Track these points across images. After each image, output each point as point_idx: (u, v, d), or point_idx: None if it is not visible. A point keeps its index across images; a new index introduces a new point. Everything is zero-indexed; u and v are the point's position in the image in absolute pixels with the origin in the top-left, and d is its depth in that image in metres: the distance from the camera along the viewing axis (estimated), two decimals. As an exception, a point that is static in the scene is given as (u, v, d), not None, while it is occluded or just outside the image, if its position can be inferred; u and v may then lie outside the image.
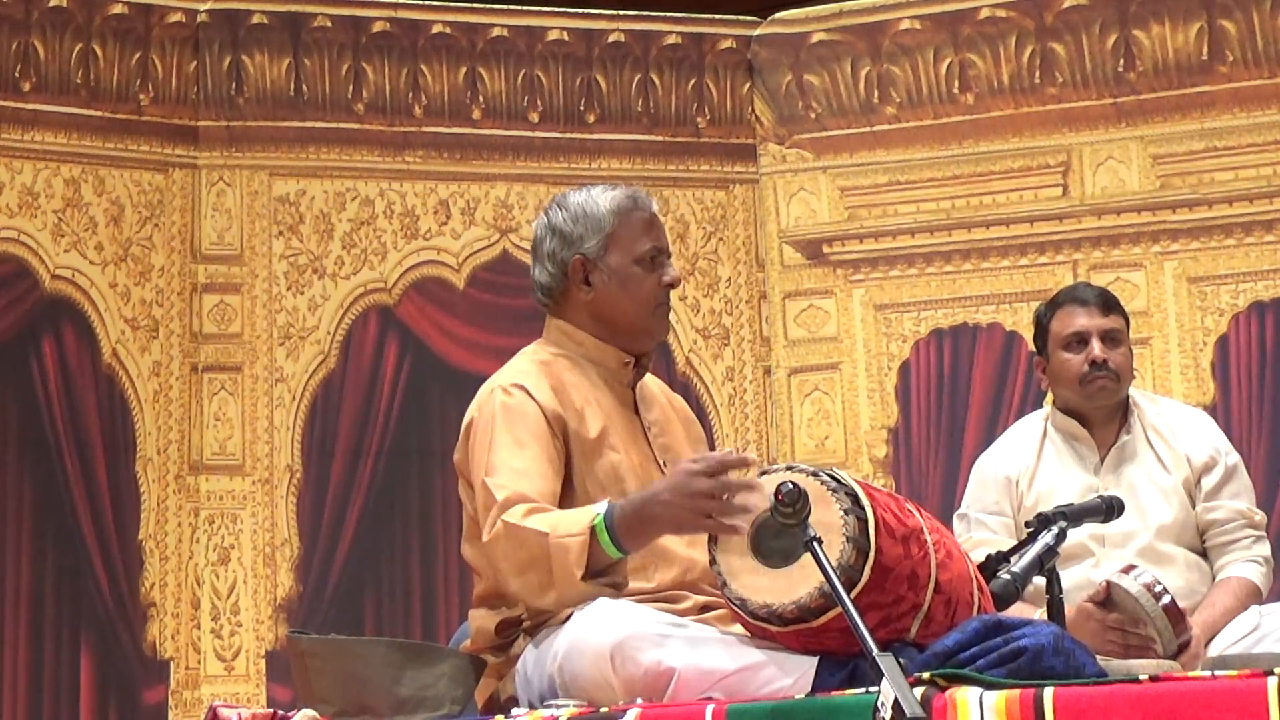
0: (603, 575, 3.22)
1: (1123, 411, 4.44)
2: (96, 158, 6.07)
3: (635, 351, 3.59)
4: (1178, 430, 4.42)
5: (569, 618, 3.22)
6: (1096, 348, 4.38)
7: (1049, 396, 4.64)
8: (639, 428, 3.57)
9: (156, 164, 6.15)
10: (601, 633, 3.11)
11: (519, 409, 3.42)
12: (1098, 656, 3.58)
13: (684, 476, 3.15)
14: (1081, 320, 4.41)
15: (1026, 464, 4.43)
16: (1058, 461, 4.43)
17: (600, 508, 3.23)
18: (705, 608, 3.38)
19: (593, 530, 3.19)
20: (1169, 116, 6.14)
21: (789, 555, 2.99)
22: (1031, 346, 4.72)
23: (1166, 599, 3.94)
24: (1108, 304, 4.46)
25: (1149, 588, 3.96)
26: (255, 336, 6.16)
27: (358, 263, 6.27)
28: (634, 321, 3.56)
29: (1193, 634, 4.01)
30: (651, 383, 3.71)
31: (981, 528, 4.38)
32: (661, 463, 3.54)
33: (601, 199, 3.58)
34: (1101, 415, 4.43)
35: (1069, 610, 3.83)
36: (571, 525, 3.22)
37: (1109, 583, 3.99)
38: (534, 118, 6.42)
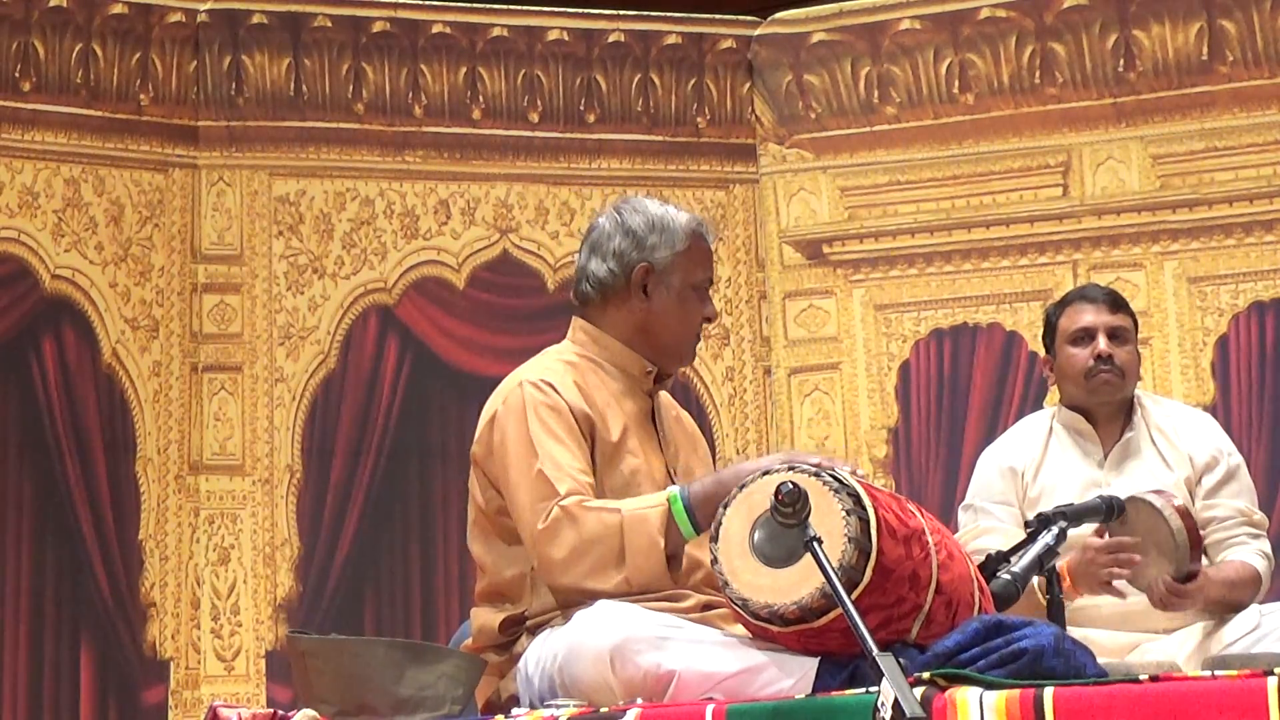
0: (673, 561, 3.28)
1: (1127, 409, 4.47)
2: (96, 158, 6.07)
3: (662, 369, 3.61)
4: (1181, 430, 4.45)
5: (570, 617, 3.23)
6: (1102, 342, 4.41)
7: (1049, 396, 4.65)
8: (655, 435, 3.58)
9: (156, 164, 6.15)
10: (601, 635, 3.11)
11: (552, 404, 3.43)
12: (1098, 593, 3.65)
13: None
14: (1089, 316, 4.46)
15: (1032, 457, 4.46)
16: (1063, 456, 4.45)
17: (670, 489, 3.32)
18: (707, 606, 3.38)
19: (668, 502, 3.26)
20: (1169, 116, 6.14)
21: (790, 555, 2.99)
22: (1036, 347, 4.73)
23: (1190, 520, 4.01)
24: (1116, 303, 4.51)
25: (1176, 508, 4.02)
26: (255, 336, 6.16)
27: (358, 263, 6.27)
28: (675, 342, 3.59)
29: (1201, 567, 4.06)
30: (663, 397, 3.72)
31: (989, 517, 4.40)
32: (672, 470, 3.56)
33: (679, 217, 3.59)
34: (1106, 412, 4.46)
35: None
36: (644, 502, 3.29)
37: (1130, 496, 4.04)
38: (534, 118, 6.41)
